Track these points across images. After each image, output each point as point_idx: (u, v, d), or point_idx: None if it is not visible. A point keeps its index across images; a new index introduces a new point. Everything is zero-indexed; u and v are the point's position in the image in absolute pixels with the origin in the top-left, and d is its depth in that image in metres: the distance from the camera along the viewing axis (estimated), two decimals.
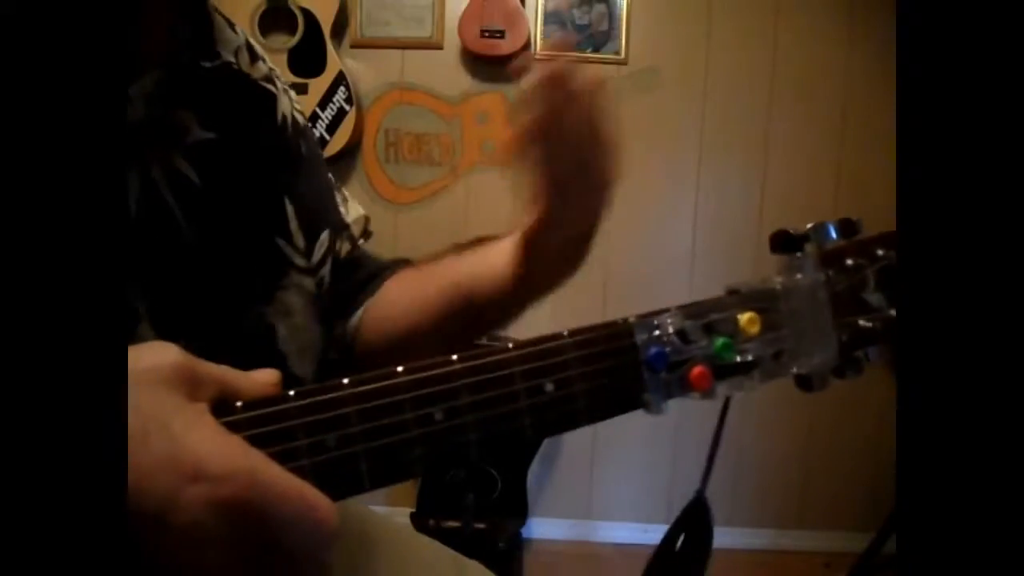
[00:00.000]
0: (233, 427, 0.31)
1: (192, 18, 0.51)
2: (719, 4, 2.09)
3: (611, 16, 2.07)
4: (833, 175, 2.10)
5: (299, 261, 0.57)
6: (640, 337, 0.37)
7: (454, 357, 0.34)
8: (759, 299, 0.39)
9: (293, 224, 0.57)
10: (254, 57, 0.58)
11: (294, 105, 0.62)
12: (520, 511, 1.95)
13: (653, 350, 0.36)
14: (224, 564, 0.28)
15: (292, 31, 1.95)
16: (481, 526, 1.82)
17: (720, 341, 0.37)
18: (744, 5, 2.08)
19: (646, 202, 2.12)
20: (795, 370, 0.40)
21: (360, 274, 0.64)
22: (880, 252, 0.42)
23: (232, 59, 0.55)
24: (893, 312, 0.41)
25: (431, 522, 1.83)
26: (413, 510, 1.92)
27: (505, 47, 2.00)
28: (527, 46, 2.03)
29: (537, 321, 0.52)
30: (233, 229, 0.53)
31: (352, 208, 0.66)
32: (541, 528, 2.08)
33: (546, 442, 1.99)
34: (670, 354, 0.37)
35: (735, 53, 2.09)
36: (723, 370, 0.38)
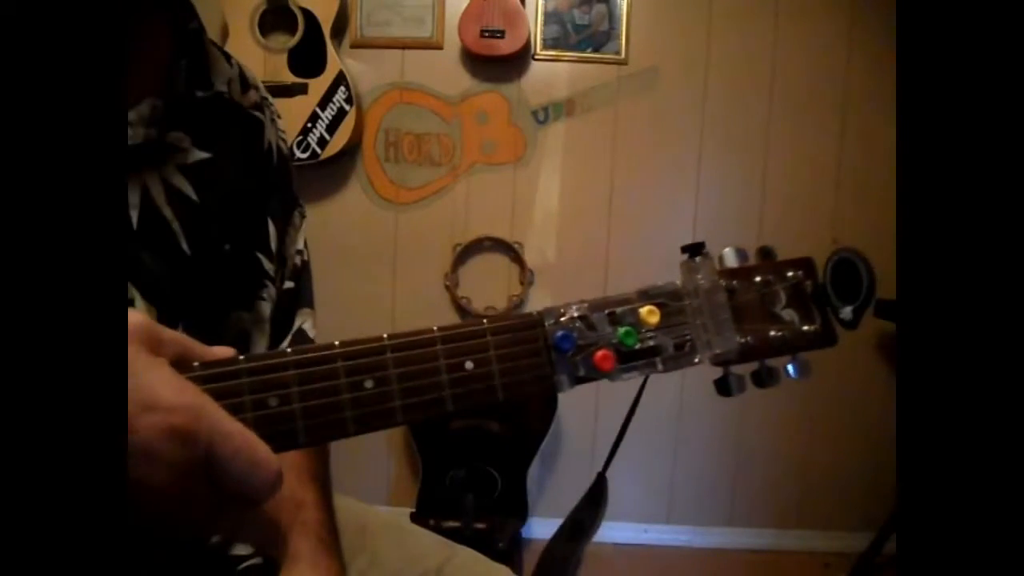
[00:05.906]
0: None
1: (189, 52, 0.56)
2: (719, 4, 2.09)
3: (611, 16, 2.07)
4: (833, 175, 2.10)
5: (274, 275, 0.63)
6: (548, 323, 0.42)
7: (385, 335, 0.40)
8: (661, 296, 0.45)
9: (273, 244, 0.63)
10: (245, 87, 0.63)
11: (279, 134, 0.67)
12: (520, 511, 1.95)
13: (560, 333, 0.42)
14: (169, 484, 0.32)
15: (292, 31, 1.95)
16: (481, 526, 1.82)
17: (623, 329, 0.43)
18: (744, 6, 2.08)
19: (646, 202, 2.12)
20: (697, 360, 0.45)
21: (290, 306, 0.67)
22: (789, 273, 0.47)
23: (224, 89, 0.60)
24: (804, 328, 0.47)
25: (431, 522, 1.83)
26: (413, 510, 1.93)
27: (505, 47, 2.00)
28: (527, 46, 2.03)
29: None
30: (223, 240, 0.57)
31: (296, 238, 0.69)
32: (541, 528, 2.08)
33: (546, 442, 1.98)
34: (577, 338, 0.42)
35: (735, 53, 2.09)
36: (627, 355, 0.43)
